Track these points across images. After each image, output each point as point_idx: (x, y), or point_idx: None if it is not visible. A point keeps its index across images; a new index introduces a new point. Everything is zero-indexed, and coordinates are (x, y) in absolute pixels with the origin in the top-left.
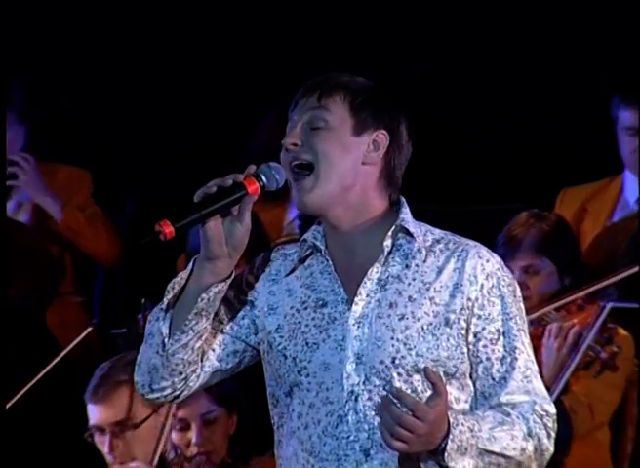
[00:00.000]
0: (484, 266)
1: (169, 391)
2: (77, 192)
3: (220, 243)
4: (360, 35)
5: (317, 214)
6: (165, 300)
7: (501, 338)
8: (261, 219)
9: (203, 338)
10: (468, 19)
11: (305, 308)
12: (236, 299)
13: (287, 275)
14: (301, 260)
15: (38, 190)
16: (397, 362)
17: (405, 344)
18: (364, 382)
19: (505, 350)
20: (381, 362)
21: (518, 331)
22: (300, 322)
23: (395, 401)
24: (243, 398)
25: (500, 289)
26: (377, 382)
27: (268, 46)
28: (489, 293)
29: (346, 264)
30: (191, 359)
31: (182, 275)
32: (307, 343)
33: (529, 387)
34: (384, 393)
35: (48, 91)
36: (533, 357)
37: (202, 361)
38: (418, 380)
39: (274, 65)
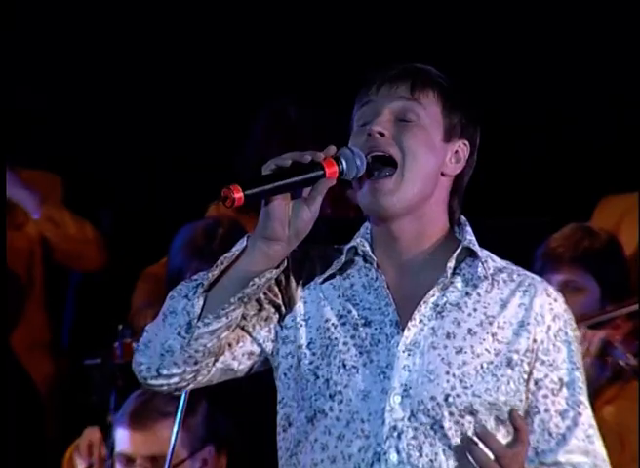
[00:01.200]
0: (552, 306)
1: (175, 380)
2: (46, 197)
3: (282, 223)
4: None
5: (383, 221)
6: (208, 275)
7: (564, 390)
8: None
9: (232, 329)
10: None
11: (344, 324)
12: (264, 296)
13: (322, 282)
14: (340, 268)
15: (12, 183)
16: (450, 400)
17: (461, 381)
18: (409, 418)
19: (568, 403)
20: (432, 398)
21: (583, 383)
22: (336, 339)
23: (477, 441)
24: (235, 435)
25: (567, 333)
26: (424, 420)
27: (247, 54)
28: (555, 337)
29: (397, 282)
30: (212, 349)
31: (234, 251)
32: (345, 365)
33: (590, 448)
34: (432, 432)
35: (18, 92)
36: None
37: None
38: (470, 423)
39: (251, 75)
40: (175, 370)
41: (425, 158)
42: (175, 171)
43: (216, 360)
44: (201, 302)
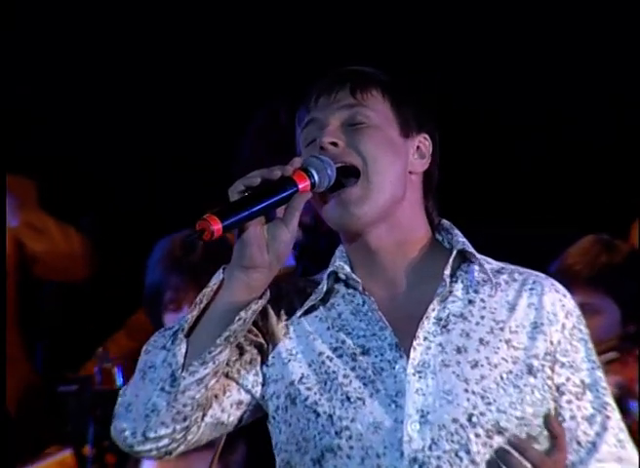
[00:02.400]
0: (563, 302)
1: (165, 441)
2: (24, 203)
3: (260, 248)
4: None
5: (357, 233)
6: (186, 318)
7: (588, 392)
8: None
9: (218, 375)
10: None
11: (340, 356)
12: (243, 340)
13: (303, 315)
14: (322, 299)
15: None
16: (475, 420)
17: (483, 398)
18: (430, 447)
19: (594, 407)
20: (455, 420)
21: (606, 382)
22: (334, 372)
23: (513, 451)
24: None
25: (581, 330)
26: (447, 447)
27: (247, 52)
28: (571, 336)
29: (387, 302)
30: (201, 401)
31: (211, 286)
32: (349, 398)
33: (622, 454)
34: (457, 460)
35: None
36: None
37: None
38: (500, 443)
39: (250, 74)
40: (163, 431)
41: (388, 158)
42: (175, 171)
43: (204, 414)
44: (183, 350)
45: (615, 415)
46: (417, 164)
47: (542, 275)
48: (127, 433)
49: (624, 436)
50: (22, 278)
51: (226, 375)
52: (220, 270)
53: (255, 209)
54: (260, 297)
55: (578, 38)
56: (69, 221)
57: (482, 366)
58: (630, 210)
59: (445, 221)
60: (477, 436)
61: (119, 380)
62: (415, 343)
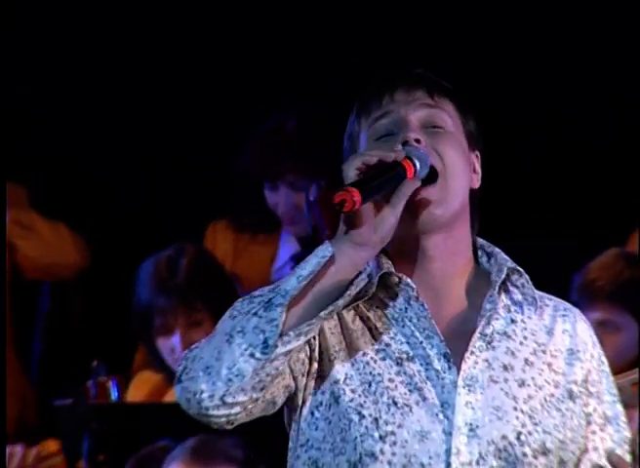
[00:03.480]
0: (590, 332)
1: (238, 409)
2: (12, 203)
3: (371, 228)
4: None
5: (417, 237)
6: (287, 289)
7: (609, 426)
8: (245, 261)
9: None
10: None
11: (383, 358)
12: None
13: (349, 310)
14: (370, 297)
15: None
16: (523, 438)
17: (531, 417)
18: (477, 461)
19: (614, 440)
20: (504, 437)
21: (625, 417)
22: (379, 375)
23: None
24: None
25: (603, 362)
26: (494, 463)
27: (248, 54)
28: (598, 366)
29: (436, 311)
30: (279, 373)
31: (318, 259)
32: (396, 403)
33: None
34: None
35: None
36: None
37: None
38: (543, 465)
39: (251, 75)
40: (241, 398)
41: (462, 166)
42: (174, 171)
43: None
44: (284, 318)
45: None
46: (474, 178)
47: (568, 304)
48: (204, 395)
49: None
50: (15, 283)
51: None
52: (326, 245)
53: (384, 188)
54: (358, 277)
55: (577, 38)
56: (69, 222)
57: (529, 385)
58: (630, 212)
59: (482, 240)
60: (524, 455)
61: (114, 394)
62: (466, 356)
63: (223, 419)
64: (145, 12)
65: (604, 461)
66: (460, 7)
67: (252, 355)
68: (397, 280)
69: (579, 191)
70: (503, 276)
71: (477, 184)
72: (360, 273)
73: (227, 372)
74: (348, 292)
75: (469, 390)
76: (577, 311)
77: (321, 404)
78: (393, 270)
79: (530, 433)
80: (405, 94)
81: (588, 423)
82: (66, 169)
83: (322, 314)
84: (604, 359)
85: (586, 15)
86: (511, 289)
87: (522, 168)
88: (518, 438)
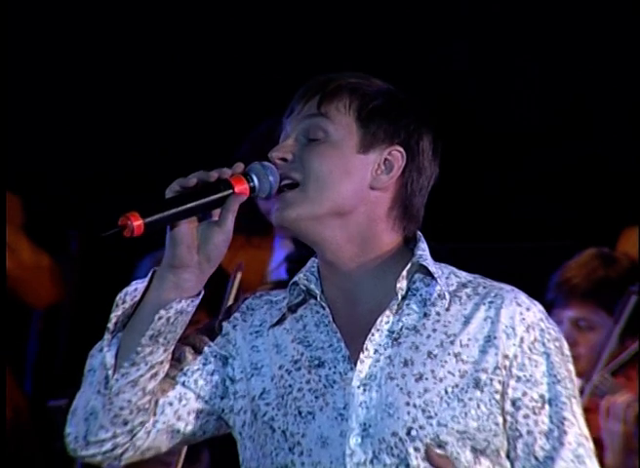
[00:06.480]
0: (524, 316)
1: (109, 446)
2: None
3: (189, 247)
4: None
5: (306, 239)
6: (111, 319)
7: (547, 407)
8: (241, 260)
9: (158, 379)
10: None
11: (298, 368)
12: (209, 348)
13: (273, 326)
14: (291, 309)
15: None
16: (414, 433)
17: (424, 411)
18: (371, 461)
19: (552, 422)
20: (394, 434)
21: (568, 397)
22: (291, 386)
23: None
24: None
25: (544, 344)
26: (387, 460)
27: (245, 56)
28: (530, 350)
29: (348, 313)
30: (140, 404)
31: (137, 285)
32: (300, 413)
33: None
34: None
35: None
36: (586, 431)
37: (155, 414)
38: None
39: (246, 78)
40: (103, 435)
41: (335, 177)
42: (174, 171)
43: (156, 420)
44: (114, 350)
45: (573, 430)
46: (380, 179)
47: (509, 288)
48: (70, 437)
49: (584, 451)
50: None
51: (183, 384)
52: (151, 271)
53: (182, 208)
54: (192, 298)
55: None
56: (55, 238)
57: (426, 379)
58: (619, 215)
59: (418, 233)
60: (416, 449)
61: None
62: (362, 356)
63: (98, 457)
64: (140, 18)
65: (541, 443)
66: (465, 14)
67: (98, 391)
68: (305, 287)
69: (578, 191)
70: (404, 273)
71: (389, 182)
72: (198, 294)
73: (84, 412)
74: (159, 316)
75: (364, 389)
76: (511, 295)
77: (244, 423)
78: (304, 279)
79: (422, 427)
80: (299, 106)
81: (518, 408)
82: (53, 184)
83: (142, 341)
84: (547, 341)
85: (602, 32)
86: (431, 283)
87: (522, 169)
88: (409, 433)
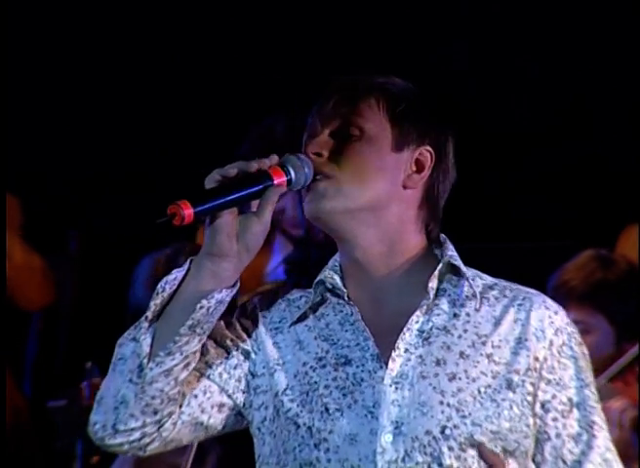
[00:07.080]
0: (552, 319)
1: (137, 435)
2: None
3: (230, 237)
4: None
5: (337, 234)
6: (151, 307)
7: (575, 411)
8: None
9: (189, 369)
10: None
11: (323, 366)
12: (231, 342)
13: (293, 324)
14: (312, 308)
15: None
16: (448, 432)
17: (458, 410)
18: (403, 458)
19: (580, 425)
20: (428, 432)
21: (595, 402)
22: (316, 382)
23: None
24: None
25: (571, 348)
26: (419, 459)
27: (243, 58)
28: (559, 353)
29: (374, 313)
30: (171, 394)
31: (177, 274)
32: (327, 409)
33: None
34: None
35: None
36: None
37: (181, 406)
38: (472, 457)
39: (238, 80)
40: (133, 424)
41: (372, 174)
42: (172, 171)
43: (181, 412)
44: (149, 340)
45: (602, 434)
46: (412, 178)
47: (536, 292)
48: (97, 426)
49: (611, 455)
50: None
51: (208, 377)
52: (188, 261)
53: (228, 198)
54: (230, 288)
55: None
56: (55, 238)
57: (460, 379)
58: (619, 215)
59: (442, 236)
60: (450, 449)
61: None
62: (394, 354)
63: (125, 447)
64: (137, 21)
65: (570, 446)
66: (467, 15)
67: (130, 380)
68: (331, 286)
69: (578, 191)
70: (436, 273)
71: (420, 181)
72: (235, 285)
73: (113, 401)
74: (200, 306)
75: (397, 388)
76: (539, 299)
77: (265, 419)
78: (330, 277)
79: (456, 426)
80: (328, 104)
81: (547, 411)
82: (52, 185)
83: (181, 330)
84: (574, 345)
85: (606, 33)
86: (459, 284)
87: (522, 169)
88: (443, 432)
